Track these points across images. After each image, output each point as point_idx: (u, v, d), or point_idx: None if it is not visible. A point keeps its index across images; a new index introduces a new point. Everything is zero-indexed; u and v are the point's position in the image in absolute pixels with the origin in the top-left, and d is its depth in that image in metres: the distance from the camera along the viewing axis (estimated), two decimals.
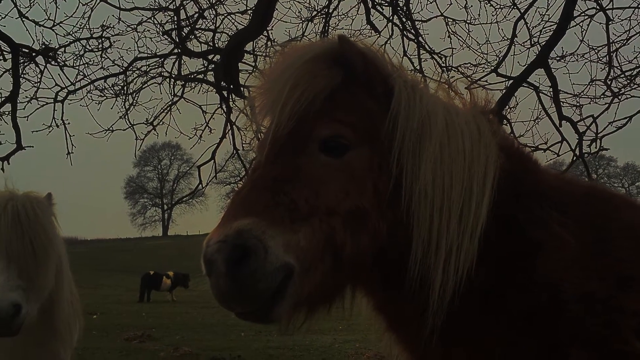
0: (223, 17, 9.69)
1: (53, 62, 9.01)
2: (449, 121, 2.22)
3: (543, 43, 7.53)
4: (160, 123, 10.22)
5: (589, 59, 8.05)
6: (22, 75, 8.55)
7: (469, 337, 2.15)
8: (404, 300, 2.15)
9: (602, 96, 7.97)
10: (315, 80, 2.13)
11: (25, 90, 9.00)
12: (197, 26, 9.74)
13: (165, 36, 9.71)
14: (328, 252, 2.00)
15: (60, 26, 8.79)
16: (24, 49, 8.55)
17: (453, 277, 2.06)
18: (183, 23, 9.52)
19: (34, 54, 8.80)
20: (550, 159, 7.85)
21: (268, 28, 8.93)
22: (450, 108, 2.30)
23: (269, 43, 9.68)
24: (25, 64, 8.83)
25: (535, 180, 2.30)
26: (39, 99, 9.13)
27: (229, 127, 9.86)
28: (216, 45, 9.78)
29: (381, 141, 2.16)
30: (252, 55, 9.73)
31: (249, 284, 1.85)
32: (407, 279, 2.08)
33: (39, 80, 9.10)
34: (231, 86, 9.17)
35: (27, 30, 8.73)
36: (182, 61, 10.07)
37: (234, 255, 1.85)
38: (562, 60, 8.12)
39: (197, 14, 9.55)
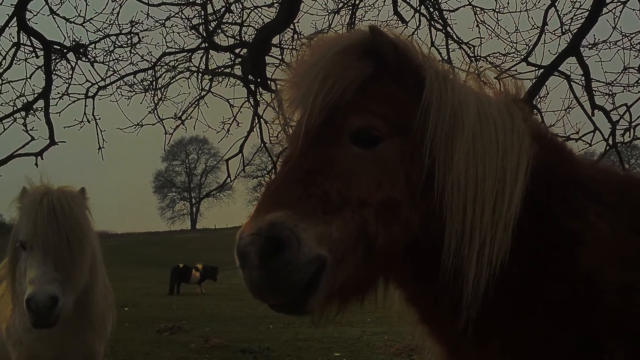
0: (250, 10, 9.73)
1: (84, 59, 9.16)
2: (481, 111, 2.19)
3: (574, 31, 7.39)
4: (189, 117, 10.33)
5: (622, 46, 7.87)
6: (54, 72, 8.71)
7: (503, 329, 2.13)
8: (437, 292, 2.13)
9: (636, 84, 7.81)
10: (346, 72, 2.13)
11: (57, 87, 9.17)
12: (224, 20, 9.78)
13: (193, 31, 9.79)
14: (360, 244, 1.99)
15: (90, 23, 8.95)
16: (55, 46, 8.70)
17: (487, 268, 2.04)
18: (210, 17, 9.58)
19: (65, 51, 8.94)
20: (582, 149, 7.71)
21: (294, 21, 8.92)
22: (482, 98, 2.28)
23: (295, 36, 9.69)
24: (57, 60, 8.98)
25: (570, 170, 2.27)
26: (70, 95, 9.30)
27: (257, 121, 9.91)
28: (243, 39, 9.82)
29: (413, 132, 2.15)
30: (278, 49, 9.75)
31: (282, 276, 1.86)
32: (441, 270, 2.07)
33: (70, 76, 9.28)
34: (258, 80, 9.20)
35: (58, 27, 8.90)
36: (210, 55, 10.14)
37: (267, 248, 1.85)
38: (594, 48, 7.95)
39: (223, 8, 9.59)
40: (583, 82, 7.49)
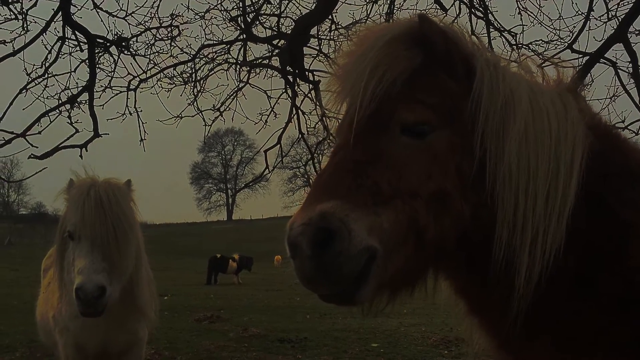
0: (287, 1, 9.73)
1: (126, 52, 9.31)
2: (534, 100, 2.15)
3: (621, 17, 7.18)
4: (227, 109, 10.42)
5: None
6: (97, 65, 8.87)
7: (555, 323, 2.09)
8: (488, 284, 2.10)
9: None
10: (396, 62, 2.11)
11: (100, 80, 9.35)
12: (261, 11, 9.83)
13: (231, 23, 9.86)
14: (411, 235, 1.98)
15: (132, 16, 9.07)
16: (99, 40, 8.86)
17: (540, 260, 2.01)
18: (248, 9, 9.62)
19: (108, 44, 9.10)
20: (628, 138, 7.49)
21: (332, 11, 8.88)
22: (534, 87, 2.23)
23: (333, 26, 9.66)
24: (100, 54, 9.15)
25: (626, 159, 2.21)
26: (113, 88, 9.47)
27: (294, 112, 9.94)
28: (281, 30, 9.84)
29: (463, 122, 2.12)
30: (316, 39, 9.74)
31: (333, 267, 1.86)
32: (492, 262, 2.04)
33: (112, 69, 9.45)
34: (296, 71, 9.21)
35: (101, 21, 9.06)
36: (248, 47, 10.21)
37: (318, 238, 1.85)
38: None
39: (262, 0, 9.62)
40: (630, 69, 7.28)
